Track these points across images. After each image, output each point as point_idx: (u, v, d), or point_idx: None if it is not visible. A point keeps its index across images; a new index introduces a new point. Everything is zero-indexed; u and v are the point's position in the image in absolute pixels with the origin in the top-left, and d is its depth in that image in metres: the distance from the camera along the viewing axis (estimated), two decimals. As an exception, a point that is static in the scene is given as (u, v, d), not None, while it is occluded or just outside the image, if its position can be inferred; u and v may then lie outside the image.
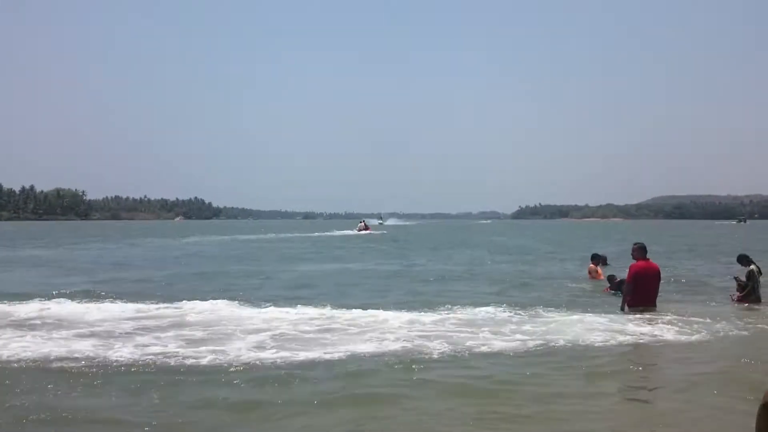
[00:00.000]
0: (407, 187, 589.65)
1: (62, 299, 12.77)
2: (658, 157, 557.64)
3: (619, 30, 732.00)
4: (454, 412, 5.81)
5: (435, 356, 7.84)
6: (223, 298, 12.71)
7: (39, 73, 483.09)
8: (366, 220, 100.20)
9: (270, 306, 11.76)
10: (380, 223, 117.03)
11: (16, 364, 7.43)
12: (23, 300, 12.50)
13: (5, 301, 12.30)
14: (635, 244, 11.19)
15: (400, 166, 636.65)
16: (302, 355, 7.86)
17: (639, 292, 10.82)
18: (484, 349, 8.24)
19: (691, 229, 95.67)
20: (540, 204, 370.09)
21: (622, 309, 10.87)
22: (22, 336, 9.05)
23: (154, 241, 48.33)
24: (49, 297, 12.96)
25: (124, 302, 12.41)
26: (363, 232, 68.49)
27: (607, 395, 6.45)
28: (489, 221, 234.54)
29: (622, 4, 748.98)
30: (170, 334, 9.33)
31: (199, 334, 9.35)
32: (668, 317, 10.38)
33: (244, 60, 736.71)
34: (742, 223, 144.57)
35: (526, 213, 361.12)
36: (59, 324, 10.12)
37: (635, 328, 9.59)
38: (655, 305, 11.00)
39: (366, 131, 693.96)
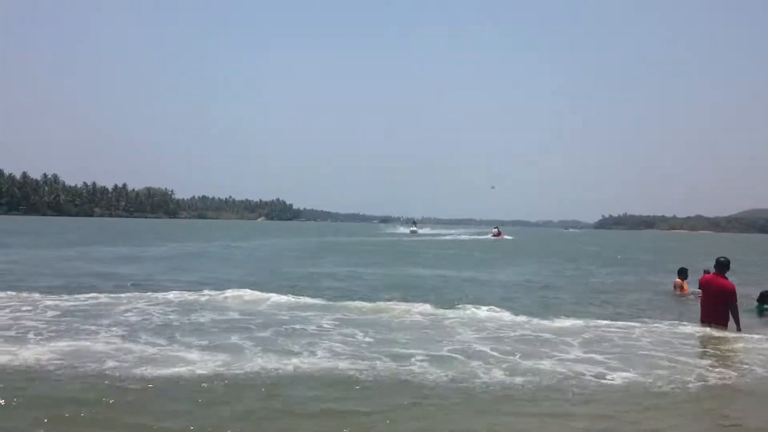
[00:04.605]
0: (483, 192, 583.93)
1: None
2: (751, 168, 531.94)
3: (709, 27, 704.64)
4: None
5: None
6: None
7: (125, 74, 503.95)
8: (402, 225, 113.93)
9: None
10: (413, 231, 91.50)
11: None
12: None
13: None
14: (719, 257, 10.53)
15: (476, 170, 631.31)
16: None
17: (702, 307, 10.62)
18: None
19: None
20: (625, 213, 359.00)
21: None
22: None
23: (275, 241, 51.11)
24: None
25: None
26: (496, 237, 72.36)
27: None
28: (578, 230, 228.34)
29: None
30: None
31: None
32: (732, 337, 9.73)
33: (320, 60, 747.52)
34: None
35: (609, 222, 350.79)
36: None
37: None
38: (720, 323, 10.21)
39: (434, 141, 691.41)
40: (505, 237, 74.97)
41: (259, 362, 7.42)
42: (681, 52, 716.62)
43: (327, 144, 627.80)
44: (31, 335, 8.68)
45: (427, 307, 12.19)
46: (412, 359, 7.81)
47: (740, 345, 9.29)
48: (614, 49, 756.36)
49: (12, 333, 8.81)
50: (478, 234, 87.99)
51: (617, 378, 7.20)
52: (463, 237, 76.91)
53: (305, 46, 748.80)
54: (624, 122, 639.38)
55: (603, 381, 7.06)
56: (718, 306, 10.22)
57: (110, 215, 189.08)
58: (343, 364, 7.44)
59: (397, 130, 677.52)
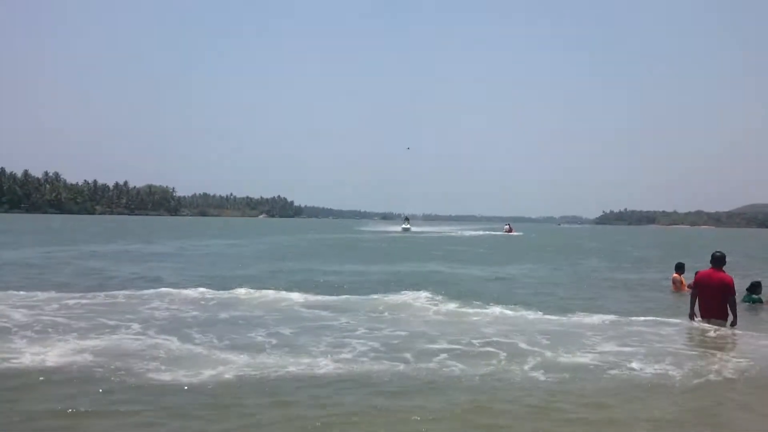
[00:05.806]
0: (483, 189, 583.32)
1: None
2: (753, 161, 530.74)
3: (709, 25, 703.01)
4: None
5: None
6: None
7: (126, 70, 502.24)
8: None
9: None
10: (405, 228, 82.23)
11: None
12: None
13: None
14: (714, 252, 10.55)
15: (477, 167, 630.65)
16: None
17: (700, 301, 10.48)
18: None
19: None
20: (626, 209, 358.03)
21: (690, 317, 10.56)
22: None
23: (279, 238, 50.93)
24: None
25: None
26: (509, 233, 77.82)
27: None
28: (578, 225, 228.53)
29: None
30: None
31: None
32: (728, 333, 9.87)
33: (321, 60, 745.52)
34: None
35: (610, 218, 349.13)
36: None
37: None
38: (720, 318, 10.26)
39: (435, 137, 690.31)
40: (515, 233, 78.61)
41: (285, 361, 7.50)
42: (682, 49, 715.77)
43: (328, 141, 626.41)
44: (53, 334, 8.78)
45: (450, 305, 12.31)
46: (440, 356, 7.92)
47: (743, 338, 9.50)
48: (616, 46, 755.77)
49: (35, 333, 8.88)
50: (486, 230, 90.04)
51: (639, 374, 7.35)
52: (480, 233, 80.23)
53: (306, 45, 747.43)
54: (625, 118, 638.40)
55: (624, 377, 7.21)
56: (718, 300, 10.28)
57: (111, 213, 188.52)
58: (369, 363, 7.55)
59: (398, 128, 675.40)
